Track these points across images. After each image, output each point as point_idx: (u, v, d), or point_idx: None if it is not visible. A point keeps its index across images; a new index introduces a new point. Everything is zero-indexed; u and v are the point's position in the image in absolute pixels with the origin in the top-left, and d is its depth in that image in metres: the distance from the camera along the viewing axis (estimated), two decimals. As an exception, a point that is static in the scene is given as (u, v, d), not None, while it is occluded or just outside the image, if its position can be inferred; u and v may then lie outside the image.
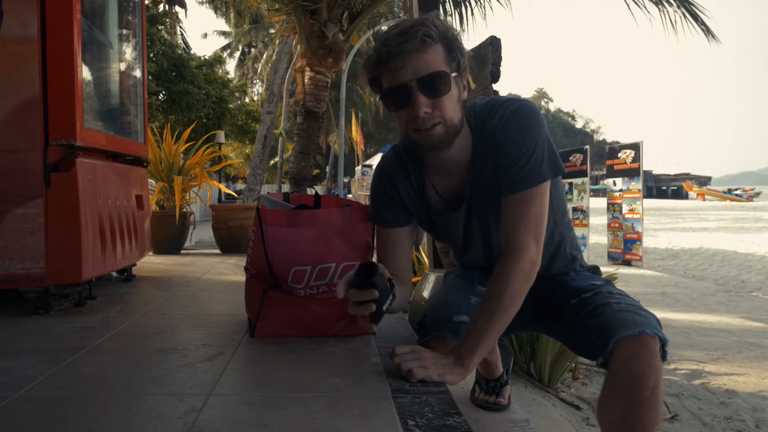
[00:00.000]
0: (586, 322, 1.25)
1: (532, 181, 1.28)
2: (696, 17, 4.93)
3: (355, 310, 1.31)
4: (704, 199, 47.53)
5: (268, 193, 3.10)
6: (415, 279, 3.53)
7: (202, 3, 23.05)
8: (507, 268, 1.26)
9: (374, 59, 1.29)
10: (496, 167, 1.32)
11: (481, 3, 5.49)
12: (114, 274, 3.08)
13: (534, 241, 1.27)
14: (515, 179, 1.28)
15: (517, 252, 1.26)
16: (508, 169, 1.29)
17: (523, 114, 1.30)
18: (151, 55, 12.91)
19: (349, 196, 25.39)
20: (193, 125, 6.77)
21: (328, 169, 28.79)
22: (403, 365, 1.32)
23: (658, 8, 4.90)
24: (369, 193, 1.56)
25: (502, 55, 2.83)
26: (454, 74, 1.26)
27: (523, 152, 1.28)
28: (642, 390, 1.08)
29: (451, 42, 1.26)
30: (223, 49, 31.83)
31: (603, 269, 1.55)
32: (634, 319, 1.16)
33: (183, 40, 24.96)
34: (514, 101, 1.33)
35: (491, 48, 2.82)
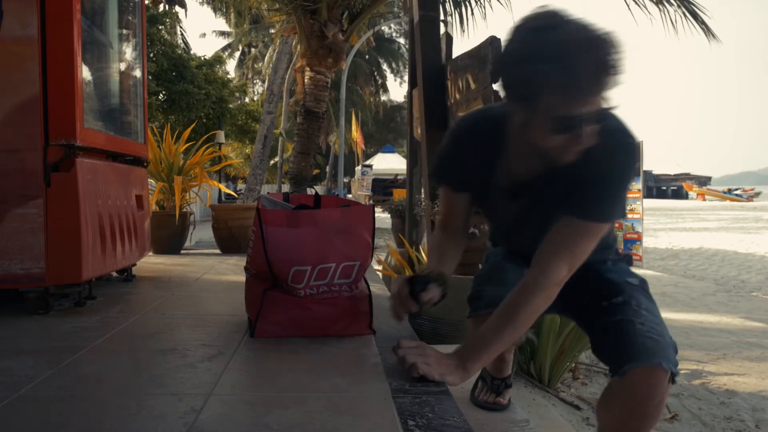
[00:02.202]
0: (608, 331, 1.25)
1: (601, 216, 1.24)
2: (696, 16, 4.94)
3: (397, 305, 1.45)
4: (704, 199, 47.51)
5: (268, 193, 3.10)
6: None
7: (202, 3, 23.04)
8: (532, 287, 1.24)
9: (556, 81, 1.08)
10: (577, 178, 1.24)
11: (481, 3, 5.49)
12: (114, 274, 3.08)
13: (567, 270, 1.25)
14: (588, 206, 1.23)
15: (548, 273, 1.24)
16: (587, 191, 1.22)
17: (633, 153, 1.23)
18: (151, 55, 12.90)
19: (349, 196, 25.39)
20: (193, 125, 6.76)
21: (328, 169, 28.79)
22: (408, 358, 1.32)
23: (659, 8, 4.91)
24: (440, 149, 1.45)
25: (502, 55, 2.82)
26: None
27: (611, 186, 1.23)
28: (646, 406, 1.17)
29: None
30: (224, 49, 31.83)
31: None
32: (653, 349, 1.17)
33: (183, 40, 24.96)
34: (630, 134, 1.23)
35: (491, 48, 2.82)
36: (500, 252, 1.60)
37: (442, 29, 3.77)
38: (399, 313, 1.48)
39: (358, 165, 25.78)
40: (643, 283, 1.38)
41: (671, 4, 4.90)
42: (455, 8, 5.54)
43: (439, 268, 1.48)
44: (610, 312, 1.28)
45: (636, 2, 4.89)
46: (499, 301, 1.32)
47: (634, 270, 1.44)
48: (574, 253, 1.25)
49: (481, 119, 1.40)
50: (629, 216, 9.08)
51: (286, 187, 13.77)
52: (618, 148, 1.21)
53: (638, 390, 1.16)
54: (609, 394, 1.23)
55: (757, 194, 52.49)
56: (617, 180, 1.23)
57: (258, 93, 30.64)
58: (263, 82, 30.53)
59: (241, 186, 21.61)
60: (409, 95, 4.15)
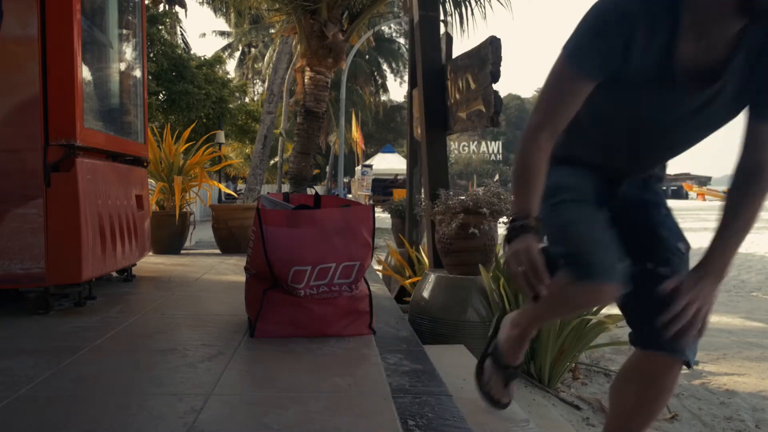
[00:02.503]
0: (643, 299, 1.23)
1: None
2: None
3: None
4: (704, 199, 47.47)
5: (268, 193, 3.10)
6: (415, 279, 3.53)
7: (202, 3, 23.05)
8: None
9: None
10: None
11: (481, 3, 5.49)
12: (114, 274, 3.08)
13: None
14: None
15: None
16: None
17: None
18: (151, 55, 12.90)
19: (349, 196, 25.40)
20: (193, 125, 6.77)
21: (328, 169, 28.80)
22: (688, 316, 1.13)
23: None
24: (588, 26, 1.14)
25: (502, 55, 2.82)
26: None
27: None
28: (664, 379, 1.26)
29: None
30: (224, 49, 31.85)
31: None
32: (686, 341, 1.20)
33: (183, 40, 24.97)
34: None
35: (491, 48, 2.82)
36: (579, 180, 1.35)
37: (442, 29, 3.78)
38: (537, 290, 1.13)
39: (358, 165, 25.79)
40: (688, 250, 1.33)
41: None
42: (455, 8, 5.54)
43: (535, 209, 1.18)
44: (653, 279, 1.23)
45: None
46: (614, 268, 1.21)
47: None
48: None
49: None
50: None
51: (286, 187, 13.75)
52: None
53: (660, 372, 1.25)
54: (630, 371, 1.31)
55: (757, 194, 52.30)
56: None
57: (258, 93, 30.65)
58: (263, 82, 30.53)
59: (241, 186, 21.62)
60: (409, 95, 4.16)
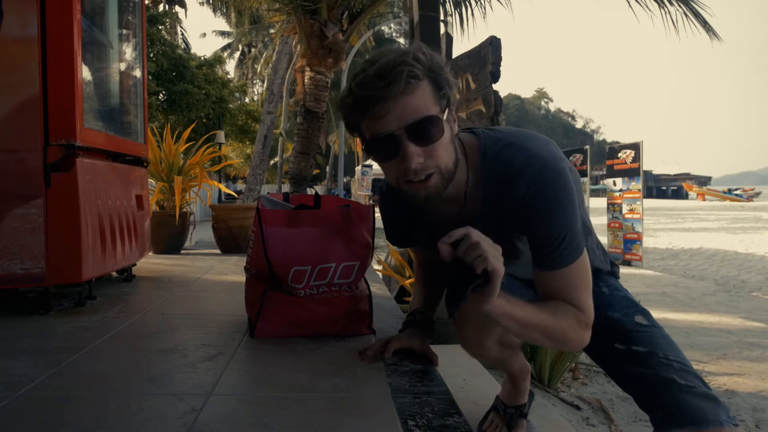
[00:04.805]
0: (643, 385, 1.21)
1: (572, 257, 1.12)
2: (697, 15, 4.94)
3: None
4: (704, 199, 47.55)
5: (268, 193, 3.09)
6: (413, 280, 3.53)
7: (202, 3, 23.06)
8: (571, 320, 1.14)
9: (350, 103, 1.09)
10: (520, 224, 1.16)
11: (481, 3, 5.49)
12: (114, 274, 3.08)
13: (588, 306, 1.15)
14: (552, 258, 1.13)
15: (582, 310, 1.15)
16: (542, 247, 1.13)
17: (551, 185, 1.10)
18: (151, 55, 12.92)
19: (350, 196, 25.40)
20: (193, 125, 6.76)
21: (328, 169, 28.79)
22: (482, 247, 1.02)
23: (659, 5, 4.91)
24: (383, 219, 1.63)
25: (502, 55, 2.83)
26: (445, 113, 1.09)
27: (558, 231, 1.11)
28: None
29: (437, 75, 1.08)
30: (223, 49, 31.86)
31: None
32: (706, 409, 1.14)
33: (183, 40, 25.00)
34: (536, 164, 1.10)
35: (491, 48, 2.82)
36: None
37: (442, 29, 3.77)
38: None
39: (358, 165, 25.79)
40: (648, 316, 1.29)
41: (672, 4, 4.90)
42: (455, 8, 5.54)
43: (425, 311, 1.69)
44: (636, 361, 1.22)
45: (637, 1, 4.89)
46: None
47: (624, 283, 1.40)
48: (579, 288, 1.14)
49: (388, 190, 1.45)
50: (629, 216, 9.08)
51: (286, 187, 13.76)
52: (542, 187, 1.10)
53: None
54: None
55: (757, 194, 52.52)
56: (564, 218, 1.10)
57: (258, 93, 30.66)
58: (263, 82, 30.54)
59: (241, 186, 21.62)
60: (409, 95, 4.15)
